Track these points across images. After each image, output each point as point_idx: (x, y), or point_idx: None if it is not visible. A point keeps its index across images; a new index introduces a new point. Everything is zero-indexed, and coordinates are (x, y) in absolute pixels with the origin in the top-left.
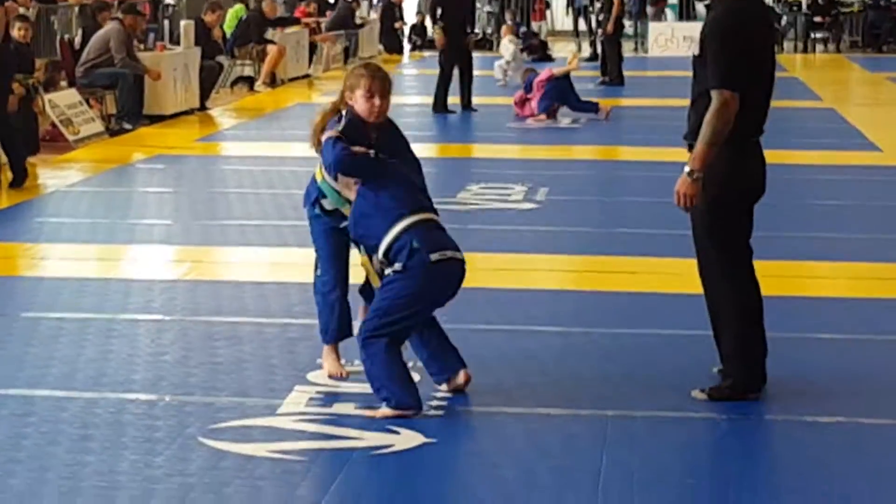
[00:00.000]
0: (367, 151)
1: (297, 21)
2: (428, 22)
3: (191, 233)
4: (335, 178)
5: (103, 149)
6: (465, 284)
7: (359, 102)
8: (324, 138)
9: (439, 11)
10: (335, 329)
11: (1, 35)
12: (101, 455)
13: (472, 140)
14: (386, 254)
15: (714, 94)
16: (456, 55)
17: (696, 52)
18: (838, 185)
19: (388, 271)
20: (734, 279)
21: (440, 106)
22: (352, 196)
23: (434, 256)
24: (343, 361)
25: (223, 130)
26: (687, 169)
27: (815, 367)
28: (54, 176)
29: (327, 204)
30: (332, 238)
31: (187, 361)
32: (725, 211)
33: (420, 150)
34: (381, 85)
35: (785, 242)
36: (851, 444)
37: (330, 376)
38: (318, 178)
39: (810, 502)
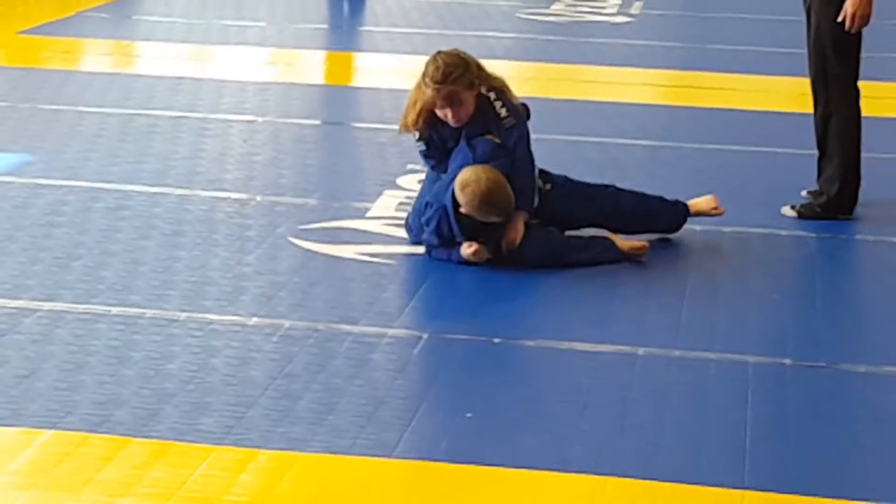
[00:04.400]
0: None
1: None
2: None
3: (285, 35)
4: None
5: None
6: (555, 95)
7: None
8: None
9: None
10: None
11: None
12: (192, 251)
13: None
14: None
15: None
16: None
17: None
18: None
19: None
20: (849, 95)
21: None
22: None
23: None
24: None
25: None
26: None
27: None
28: None
29: None
30: None
31: (279, 163)
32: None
33: None
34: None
35: (880, 63)
36: None
37: None
38: None
39: None
